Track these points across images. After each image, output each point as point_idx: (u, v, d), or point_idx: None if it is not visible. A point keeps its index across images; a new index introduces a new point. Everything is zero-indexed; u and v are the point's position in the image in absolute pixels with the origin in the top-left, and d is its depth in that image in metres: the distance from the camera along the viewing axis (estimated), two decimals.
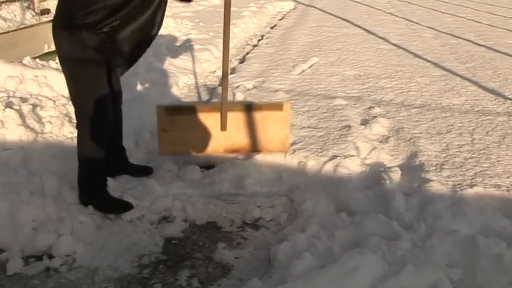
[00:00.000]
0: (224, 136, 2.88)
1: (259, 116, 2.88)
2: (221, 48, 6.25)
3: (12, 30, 6.71)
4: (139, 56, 2.71)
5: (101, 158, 2.79)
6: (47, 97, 4.12)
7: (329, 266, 2.02)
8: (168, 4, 2.72)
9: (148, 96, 4.51)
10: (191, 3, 2.92)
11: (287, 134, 2.93)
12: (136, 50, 2.64)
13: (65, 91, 2.75)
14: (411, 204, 2.73)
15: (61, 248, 2.45)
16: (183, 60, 5.85)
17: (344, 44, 7.31)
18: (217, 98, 4.57)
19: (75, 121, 2.86)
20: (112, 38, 2.51)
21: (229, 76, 5.35)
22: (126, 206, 2.82)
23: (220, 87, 5.00)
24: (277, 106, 2.93)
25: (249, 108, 2.89)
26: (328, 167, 3.20)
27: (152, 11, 2.58)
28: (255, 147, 2.89)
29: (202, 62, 5.95)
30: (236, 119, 2.87)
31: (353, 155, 3.32)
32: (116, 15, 2.47)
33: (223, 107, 2.84)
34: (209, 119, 2.86)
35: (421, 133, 3.77)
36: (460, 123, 4.02)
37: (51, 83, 4.35)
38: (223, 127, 2.87)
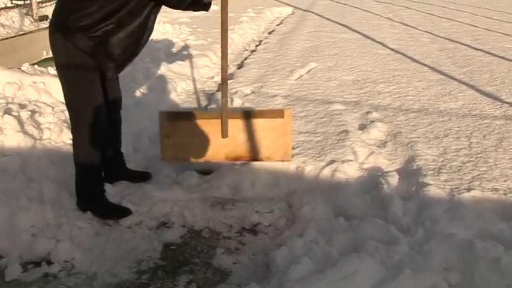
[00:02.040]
0: (225, 143, 2.90)
1: (260, 123, 2.90)
2: (219, 54, 6.25)
3: (11, 37, 6.73)
4: (130, 61, 2.75)
5: (96, 161, 2.80)
6: (45, 103, 4.12)
7: (327, 271, 2.03)
8: (166, 10, 2.74)
9: (146, 102, 4.52)
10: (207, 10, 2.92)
11: (289, 141, 2.94)
12: (127, 55, 2.68)
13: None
14: (409, 208, 2.73)
15: (60, 254, 2.45)
16: (181, 66, 5.87)
17: (342, 49, 7.34)
18: (216, 103, 4.58)
19: None
20: (104, 42, 2.55)
21: (228, 82, 5.38)
22: (124, 212, 2.83)
23: (219, 92, 5.02)
24: (278, 113, 2.94)
25: (250, 115, 2.91)
26: (326, 172, 3.20)
27: (144, 16, 2.62)
28: (256, 154, 2.91)
29: (200, 68, 5.96)
30: (237, 126, 2.89)
31: (351, 160, 3.33)
32: (110, 20, 2.51)
33: (223, 114, 2.85)
34: (210, 126, 2.88)
35: (418, 137, 3.78)
36: (458, 127, 4.03)
37: (50, 89, 4.36)
38: (225, 134, 2.89)
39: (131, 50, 2.69)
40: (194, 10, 2.96)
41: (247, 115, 2.90)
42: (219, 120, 2.88)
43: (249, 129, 2.89)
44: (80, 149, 2.75)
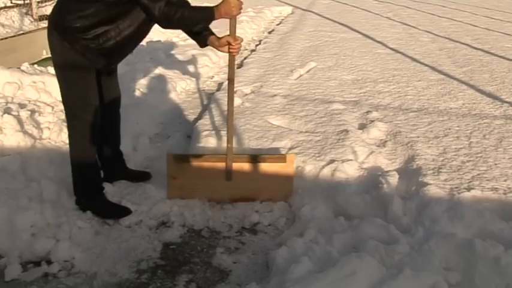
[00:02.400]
0: (229, 186, 3.03)
1: (263, 167, 3.02)
2: (219, 53, 6.19)
3: (11, 36, 6.73)
4: (118, 62, 2.86)
5: (92, 158, 2.82)
6: (45, 103, 4.12)
7: (327, 271, 2.03)
8: None
9: (146, 102, 4.52)
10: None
11: (290, 184, 3.07)
12: (119, 57, 2.77)
13: None
14: (409, 208, 2.73)
15: (59, 254, 2.45)
16: (181, 66, 5.87)
17: (342, 49, 7.33)
18: (216, 103, 4.58)
19: None
20: (95, 44, 2.57)
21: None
22: (124, 211, 2.83)
23: (218, 92, 5.02)
24: (281, 158, 3.07)
25: (253, 159, 3.04)
26: (326, 172, 3.20)
27: (140, 24, 2.64)
28: (259, 196, 3.05)
29: (200, 67, 5.96)
30: (241, 169, 3.01)
31: (351, 160, 3.33)
32: (105, 25, 2.54)
33: (228, 158, 2.98)
34: (215, 169, 3.01)
35: (418, 137, 3.78)
36: (457, 126, 4.03)
37: (50, 89, 4.36)
38: (229, 178, 3.01)
39: (124, 53, 2.77)
40: (192, 38, 2.99)
41: (251, 159, 3.03)
42: (223, 164, 2.99)
43: (252, 172, 3.02)
44: (75, 144, 2.77)
